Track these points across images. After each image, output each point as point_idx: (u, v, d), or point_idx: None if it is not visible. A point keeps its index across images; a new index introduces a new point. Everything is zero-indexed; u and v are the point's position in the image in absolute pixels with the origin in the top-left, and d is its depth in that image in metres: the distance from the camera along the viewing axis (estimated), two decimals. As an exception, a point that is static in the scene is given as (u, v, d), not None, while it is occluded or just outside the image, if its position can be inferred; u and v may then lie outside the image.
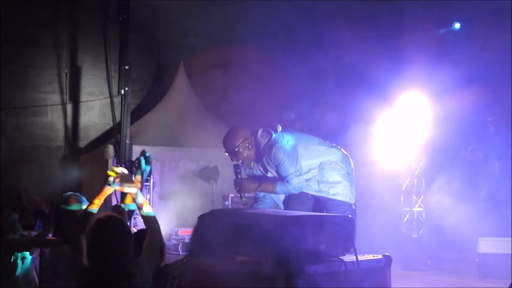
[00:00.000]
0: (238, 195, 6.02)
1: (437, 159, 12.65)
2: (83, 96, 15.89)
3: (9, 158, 15.07)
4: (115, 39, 11.04)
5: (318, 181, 5.93)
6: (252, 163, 6.01)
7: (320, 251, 3.84)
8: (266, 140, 5.87)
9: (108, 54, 10.82)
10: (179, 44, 16.45)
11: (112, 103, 11.45)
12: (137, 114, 14.37)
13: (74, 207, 4.96)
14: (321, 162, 5.95)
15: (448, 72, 11.78)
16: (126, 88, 11.17)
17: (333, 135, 6.39)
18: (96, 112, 15.97)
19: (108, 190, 4.66)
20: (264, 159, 5.89)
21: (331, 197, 5.93)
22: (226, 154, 5.95)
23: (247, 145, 5.86)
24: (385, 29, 13.91)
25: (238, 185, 5.92)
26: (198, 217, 4.40)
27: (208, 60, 16.08)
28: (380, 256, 4.24)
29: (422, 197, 13.10)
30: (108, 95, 11.52)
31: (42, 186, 14.36)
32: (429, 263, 11.86)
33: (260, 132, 5.91)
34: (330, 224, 4.02)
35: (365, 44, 13.60)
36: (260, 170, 6.01)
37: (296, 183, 5.76)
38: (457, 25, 13.36)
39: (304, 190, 5.90)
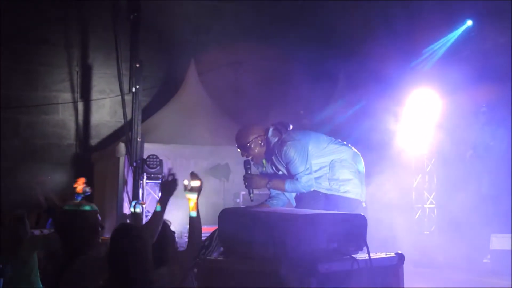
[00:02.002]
0: (247, 190, 6.04)
1: (449, 156, 12.62)
2: (94, 94, 15.92)
3: (21, 156, 15.14)
4: (126, 37, 11.08)
5: (328, 179, 5.94)
6: (265, 161, 6.02)
7: (333, 249, 3.84)
8: (276, 138, 5.90)
9: (119, 52, 10.88)
10: (190, 42, 16.45)
11: (123, 101, 11.50)
12: (148, 112, 14.38)
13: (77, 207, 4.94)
14: (332, 160, 5.96)
15: (460, 69, 11.75)
16: (137, 86, 11.23)
17: (343, 132, 6.38)
18: (107, 110, 16.00)
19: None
20: (274, 157, 5.91)
21: (342, 194, 5.94)
22: (238, 149, 5.98)
23: (259, 142, 5.91)
24: (397, 26, 13.86)
25: (248, 180, 5.97)
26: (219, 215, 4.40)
27: (219, 57, 16.07)
28: (392, 254, 4.23)
29: (433, 193, 13.08)
30: (119, 93, 11.59)
31: (54, 184, 14.41)
32: (441, 260, 11.84)
33: (271, 130, 5.94)
34: (343, 222, 4.01)
35: (377, 41, 13.57)
36: (272, 168, 6.02)
37: (305, 182, 5.79)
38: (469, 22, 13.31)
39: (315, 189, 5.91)
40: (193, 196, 4.58)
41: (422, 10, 13.41)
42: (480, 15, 12.98)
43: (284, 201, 6.15)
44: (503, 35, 12.03)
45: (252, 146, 5.90)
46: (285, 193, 6.09)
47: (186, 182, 4.64)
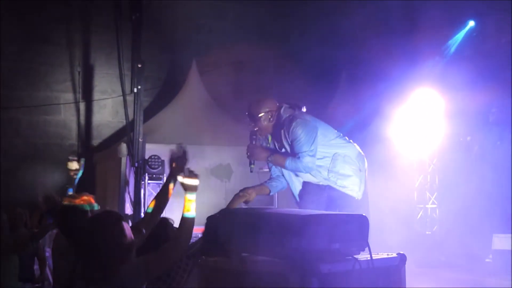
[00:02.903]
0: (248, 161, 6.05)
1: (450, 155, 12.62)
2: (96, 95, 15.93)
3: (23, 156, 15.15)
4: (128, 37, 11.07)
5: (328, 170, 5.95)
6: (270, 137, 6.02)
7: (335, 250, 3.83)
8: (288, 115, 5.92)
9: (121, 52, 10.87)
10: (191, 42, 16.46)
11: (125, 101, 11.49)
12: (150, 112, 14.38)
13: (81, 207, 4.95)
14: (335, 153, 5.98)
15: (462, 69, 11.75)
16: (139, 86, 11.21)
17: (345, 131, 6.37)
18: (109, 110, 16.01)
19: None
20: (282, 133, 5.91)
21: (337, 187, 5.95)
22: (248, 118, 6.01)
23: (269, 117, 5.94)
24: (399, 26, 13.87)
25: (250, 150, 5.95)
26: (207, 218, 4.38)
27: (221, 57, 16.07)
28: (394, 255, 4.23)
29: (435, 193, 13.07)
30: (121, 94, 11.57)
31: (56, 184, 14.42)
32: (443, 260, 11.83)
33: (284, 107, 5.98)
34: (345, 223, 4.01)
35: (379, 41, 13.57)
36: (276, 145, 6.03)
37: (306, 162, 5.78)
38: (471, 23, 13.29)
39: (312, 173, 5.91)
40: (192, 197, 4.26)
41: (423, 10, 13.40)
42: (482, 15, 12.98)
43: (283, 184, 6.18)
44: (505, 35, 12.03)
45: (262, 118, 5.92)
46: (289, 183, 6.10)
47: (181, 179, 4.42)
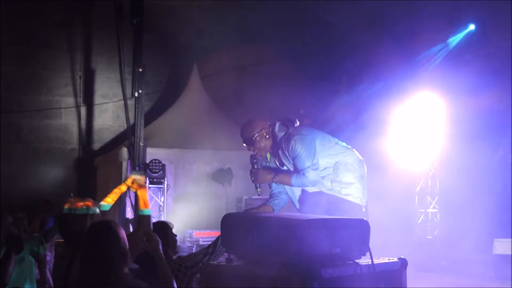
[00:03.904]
0: (254, 185, 6.01)
1: (451, 160, 12.61)
2: (97, 99, 15.93)
3: (24, 160, 15.16)
4: (129, 42, 11.08)
5: (331, 180, 5.94)
6: (269, 155, 6.03)
7: (336, 254, 3.83)
8: (283, 133, 5.90)
9: (122, 56, 10.86)
10: (192, 46, 16.47)
11: (126, 105, 11.48)
12: (150, 117, 14.39)
13: (81, 211, 4.94)
14: (336, 162, 5.96)
15: (463, 73, 11.75)
16: (140, 91, 11.21)
17: (345, 135, 6.38)
18: (110, 114, 16.01)
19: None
20: (280, 152, 5.91)
21: (342, 197, 5.94)
22: (244, 144, 5.96)
23: (265, 134, 5.88)
24: (400, 29, 13.88)
25: (254, 175, 5.93)
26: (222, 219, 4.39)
27: (222, 62, 16.08)
28: (395, 259, 4.22)
29: (436, 198, 13.07)
30: (122, 98, 11.56)
31: (57, 188, 14.43)
32: (444, 265, 11.82)
33: (278, 125, 5.95)
34: (346, 227, 4.01)
35: (379, 44, 13.58)
36: (276, 163, 6.03)
37: (312, 177, 5.78)
38: (471, 27, 13.29)
39: (317, 186, 5.92)
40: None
41: (425, 14, 13.42)
42: (483, 19, 12.98)
43: (285, 200, 6.15)
44: (506, 39, 12.03)
45: (258, 139, 5.87)
46: (287, 192, 6.10)
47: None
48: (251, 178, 5.96)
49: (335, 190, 5.94)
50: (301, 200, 6.12)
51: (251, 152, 5.99)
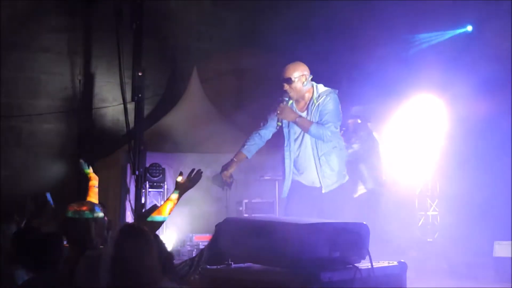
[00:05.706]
0: (277, 119, 6.40)
1: (452, 162, 12.60)
2: (97, 103, 15.93)
3: (23, 165, 15.15)
4: (129, 45, 11.07)
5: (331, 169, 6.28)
6: (290, 101, 6.37)
7: (335, 258, 3.83)
8: (315, 88, 6.37)
9: (121, 60, 10.85)
10: (192, 50, 16.47)
11: (125, 109, 11.47)
12: (150, 120, 14.39)
13: (86, 214, 4.93)
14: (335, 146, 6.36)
15: (462, 75, 11.74)
16: (140, 95, 11.20)
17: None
18: (109, 118, 16.01)
19: None
20: (311, 101, 6.33)
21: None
22: (282, 81, 6.37)
23: (304, 80, 6.30)
24: (400, 31, 13.88)
25: (282, 109, 6.29)
26: (216, 226, 4.43)
27: (222, 65, 16.08)
28: (395, 263, 4.23)
29: (436, 200, 13.06)
30: (121, 102, 11.56)
31: (57, 192, 14.41)
32: (444, 268, 11.80)
33: (319, 85, 6.46)
34: (345, 231, 4.01)
35: (378, 45, 13.58)
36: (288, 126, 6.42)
37: (330, 131, 6.19)
38: (469, 28, 13.30)
39: (330, 144, 6.27)
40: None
41: (425, 15, 13.42)
42: (483, 21, 12.97)
43: (258, 143, 6.64)
44: (505, 41, 12.02)
45: (296, 80, 6.28)
46: (285, 176, 6.42)
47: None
48: (277, 111, 6.31)
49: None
50: (290, 193, 6.31)
51: (284, 89, 6.35)
